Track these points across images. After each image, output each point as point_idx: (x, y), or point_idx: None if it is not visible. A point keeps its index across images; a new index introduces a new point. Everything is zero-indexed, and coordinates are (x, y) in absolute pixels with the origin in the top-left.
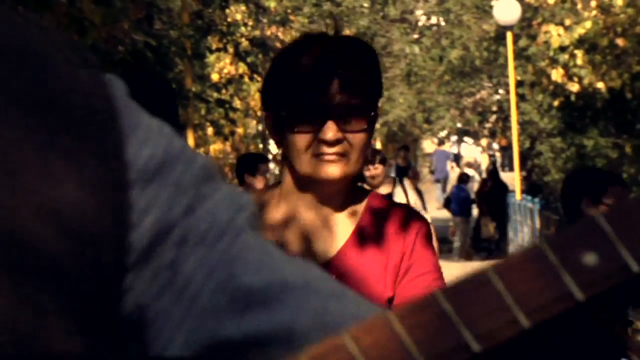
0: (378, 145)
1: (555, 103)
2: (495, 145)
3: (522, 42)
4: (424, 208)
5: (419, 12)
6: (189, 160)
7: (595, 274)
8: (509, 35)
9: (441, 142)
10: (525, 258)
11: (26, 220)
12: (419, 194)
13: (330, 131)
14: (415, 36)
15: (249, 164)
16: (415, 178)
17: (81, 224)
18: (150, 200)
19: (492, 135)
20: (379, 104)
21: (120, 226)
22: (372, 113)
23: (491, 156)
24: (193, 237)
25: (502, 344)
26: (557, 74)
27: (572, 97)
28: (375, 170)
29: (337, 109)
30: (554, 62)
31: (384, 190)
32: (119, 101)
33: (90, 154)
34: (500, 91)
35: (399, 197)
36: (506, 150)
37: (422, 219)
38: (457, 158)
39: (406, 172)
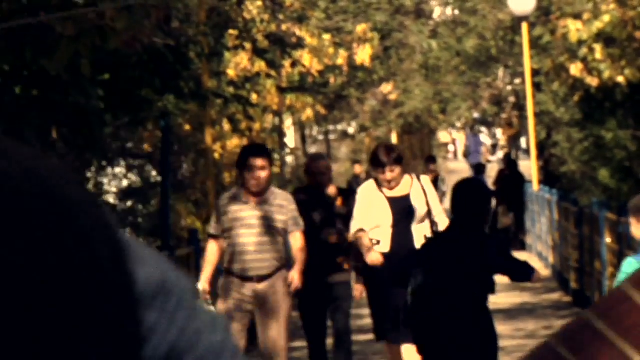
0: (394, 137)
1: (576, 98)
2: (500, 136)
3: (537, 31)
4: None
5: (434, 3)
6: (184, 283)
7: None
8: (525, 26)
9: (473, 129)
10: None
11: None
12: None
13: None
14: (431, 24)
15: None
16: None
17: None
18: (155, 320)
19: (509, 125)
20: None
21: (136, 342)
22: None
23: (494, 146)
24: (197, 354)
25: None
26: (576, 69)
27: (592, 91)
28: (391, 173)
29: None
30: (573, 56)
31: (400, 191)
32: (123, 238)
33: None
34: (516, 81)
35: (418, 198)
36: (515, 140)
37: None
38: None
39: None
